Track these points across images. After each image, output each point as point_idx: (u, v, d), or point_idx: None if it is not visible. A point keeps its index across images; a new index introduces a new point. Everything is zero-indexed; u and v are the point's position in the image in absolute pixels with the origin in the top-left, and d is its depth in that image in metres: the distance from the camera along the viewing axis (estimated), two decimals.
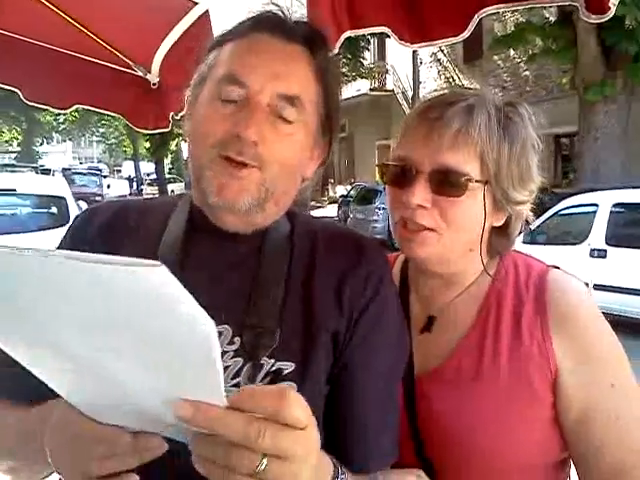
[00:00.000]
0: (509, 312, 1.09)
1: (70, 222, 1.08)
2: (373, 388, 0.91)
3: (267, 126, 0.88)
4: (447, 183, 1.03)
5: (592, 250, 7.96)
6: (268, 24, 0.94)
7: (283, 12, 0.96)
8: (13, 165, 31.66)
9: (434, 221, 1.05)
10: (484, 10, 1.34)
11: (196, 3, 2.32)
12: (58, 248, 0.99)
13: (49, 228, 6.74)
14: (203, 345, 0.55)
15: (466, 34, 1.41)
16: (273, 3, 0.97)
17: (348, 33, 1.52)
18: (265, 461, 0.60)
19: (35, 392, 0.74)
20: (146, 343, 0.56)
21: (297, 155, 0.93)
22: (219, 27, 1.02)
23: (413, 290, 1.21)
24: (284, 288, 0.92)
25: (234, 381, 0.86)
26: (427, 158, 1.04)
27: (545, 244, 8.19)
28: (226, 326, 0.88)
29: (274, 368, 0.86)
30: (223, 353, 0.86)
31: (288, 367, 0.87)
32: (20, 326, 0.60)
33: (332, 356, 0.90)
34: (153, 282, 0.50)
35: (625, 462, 1.00)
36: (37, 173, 25.72)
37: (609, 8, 1.08)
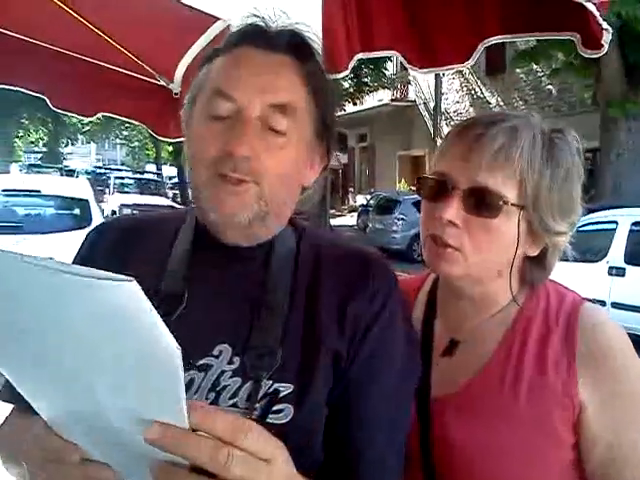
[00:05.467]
0: (535, 342, 1.04)
1: (91, 225, 1.11)
2: (375, 411, 0.89)
3: (259, 140, 0.88)
4: (481, 203, 1.00)
5: (610, 268, 7.88)
6: (251, 37, 0.93)
7: (266, 22, 0.95)
8: (39, 165, 32.12)
9: (461, 242, 1.02)
10: (488, 40, 1.40)
11: (218, 19, 2.40)
12: (75, 258, 1.02)
13: (71, 229, 6.84)
14: (168, 368, 0.54)
15: (471, 62, 1.47)
16: (255, 15, 0.95)
17: (360, 55, 1.58)
18: None
19: None
20: (114, 359, 0.56)
21: (293, 166, 0.92)
22: None
23: (439, 311, 1.18)
24: (288, 308, 0.90)
25: (231, 401, 0.85)
26: (464, 175, 1.02)
27: (563, 261, 8.11)
28: (225, 345, 0.88)
29: (272, 389, 0.84)
30: (222, 372, 0.87)
31: (286, 389, 0.85)
32: None
33: (332, 377, 0.88)
34: (121, 297, 0.50)
35: None
36: (62, 174, 26.00)
37: (602, 46, 1.13)
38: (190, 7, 2.33)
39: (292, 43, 0.94)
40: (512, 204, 1.00)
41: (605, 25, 1.05)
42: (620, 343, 1.02)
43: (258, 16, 0.95)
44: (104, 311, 0.52)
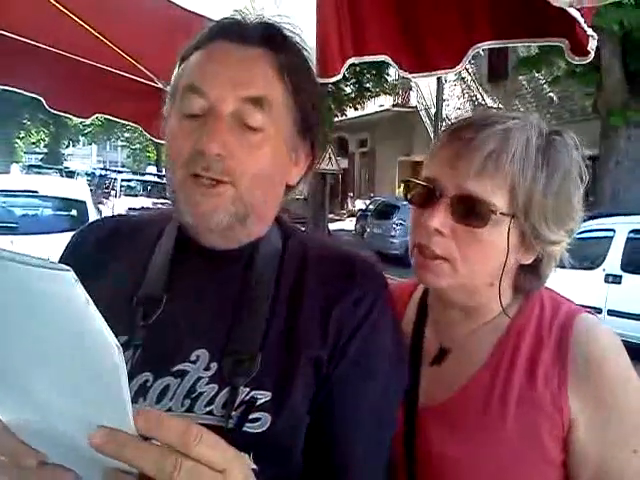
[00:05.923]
0: (526, 353, 1.00)
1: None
2: (358, 419, 0.87)
3: (232, 137, 0.85)
4: (469, 212, 0.96)
5: (607, 275, 7.91)
6: (226, 31, 0.90)
7: (242, 16, 0.92)
8: (39, 166, 32.14)
9: (449, 252, 0.98)
10: (478, 45, 1.41)
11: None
12: (60, 257, 1.01)
13: (68, 231, 6.85)
14: (107, 367, 0.51)
15: (460, 67, 1.48)
16: (235, 10, 0.93)
17: (352, 60, 1.58)
18: None
19: None
20: (50, 354, 0.53)
21: (272, 163, 0.89)
22: None
23: (430, 318, 1.14)
24: (269, 312, 0.88)
25: (207, 409, 0.82)
26: (452, 182, 0.98)
27: (560, 268, 8.10)
28: (203, 351, 0.86)
29: (248, 397, 0.82)
30: (198, 379, 0.84)
31: (264, 397, 0.82)
32: None
33: (313, 385, 0.85)
34: (56, 286, 0.47)
35: None
36: (62, 175, 25.92)
37: (589, 52, 1.13)
38: (188, 10, 2.34)
39: (267, 35, 0.91)
40: (501, 213, 0.96)
41: (590, 32, 1.06)
42: (615, 354, 0.98)
43: (237, 11, 0.93)
44: (38, 299, 0.49)
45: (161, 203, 16.12)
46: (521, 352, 1.01)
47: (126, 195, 19.30)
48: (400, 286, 1.26)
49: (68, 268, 0.47)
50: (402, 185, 1.09)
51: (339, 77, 1.54)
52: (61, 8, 2.32)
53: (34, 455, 0.63)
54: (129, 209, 15.91)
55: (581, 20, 1.01)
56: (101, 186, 21.37)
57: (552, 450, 0.97)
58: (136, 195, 19.47)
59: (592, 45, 1.10)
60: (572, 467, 0.98)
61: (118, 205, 17.38)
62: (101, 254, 0.97)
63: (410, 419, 1.06)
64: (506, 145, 0.95)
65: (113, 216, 1.19)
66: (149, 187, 20.99)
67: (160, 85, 2.77)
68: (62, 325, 0.50)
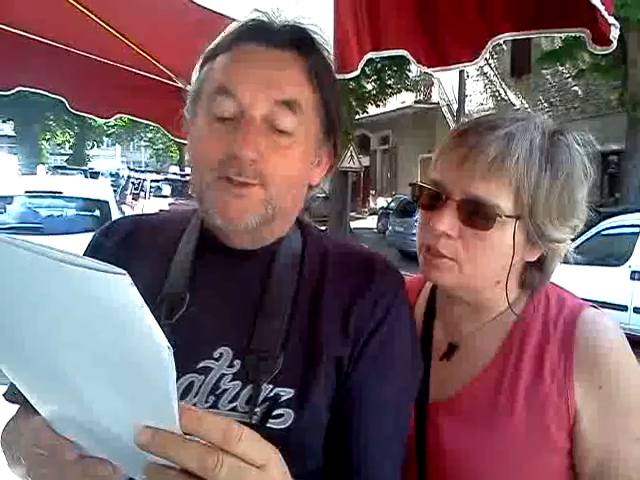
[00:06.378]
0: (533, 348, 1.03)
1: None
2: (377, 418, 0.88)
3: (264, 141, 0.85)
4: (476, 214, 0.99)
5: (633, 272, 7.76)
6: (253, 33, 0.90)
7: (269, 18, 0.92)
8: (64, 167, 32.62)
9: (456, 252, 1.01)
10: (497, 37, 1.39)
11: (234, 20, 2.40)
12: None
13: (91, 231, 6.92)
14: (157, 367, 0.52)
15: (479, 60, 1.46)
16: (257, 10, 0.93)
17: (370, 54, 1.57)
18: None
19: None
20: (102, 354, 0.54)
21: (300, 166, 0.90)
22: None
23: (439, 314, 1.17)
24: (290, 310, 0.89)
25: (231, 405, 0.84)
26: (458, 186, 1.01)
27: (584, 264, 8.02)
28: (226, 348, 0.87)
29: (272, 394, 0.84)
30: (222, 376, 0.86)
31: (287, 393, 0.84)
32: None
33: (335, 383, 0.87)
34: (111, 289, 0.48)
35: None
36: (86, 176, 26.10)
37: (611, 41, 1.11)
38: (206, 9, 2.34)
39: (296, 38, 0.91)
40: (506, 215, 0.99)
41: (612, 20, 1.03)
42: (617, 346, 1.01)
43: (261, 11, 0.93)
44: (92, 302, 0.50)
45: (185, 204, 15.97)
46: (528, 347, 1.04)
47: (155, 196, 19.05)
48: (409, 281, 1.27)
49: (123, 272, 0.47)
50: (410, 188, 1.12)
51: (357, 73, 1.52)
52: (81, 8, 2.34)
53: (72, 449, 0.65)
54: (160, 211, 15.52)
55: (602, 8, 0.98)
56: (129, 187, 21.29)
57: (559, 441, 1.00)
58: (165, 196, 19.08)
59: (614, 34, 1.07)
60: (577, 456, 1.00)
61: (148, 206, 17.09)
62: (123, 252, 0.97)
63: (421, 413, 1.08)
64: (510, 149, 0.97)
65: (134, 215, 1.20)
66: (177, 188, 20.26)
67: (180, 84, 2.78)
68: (116, 327, 0.51)
